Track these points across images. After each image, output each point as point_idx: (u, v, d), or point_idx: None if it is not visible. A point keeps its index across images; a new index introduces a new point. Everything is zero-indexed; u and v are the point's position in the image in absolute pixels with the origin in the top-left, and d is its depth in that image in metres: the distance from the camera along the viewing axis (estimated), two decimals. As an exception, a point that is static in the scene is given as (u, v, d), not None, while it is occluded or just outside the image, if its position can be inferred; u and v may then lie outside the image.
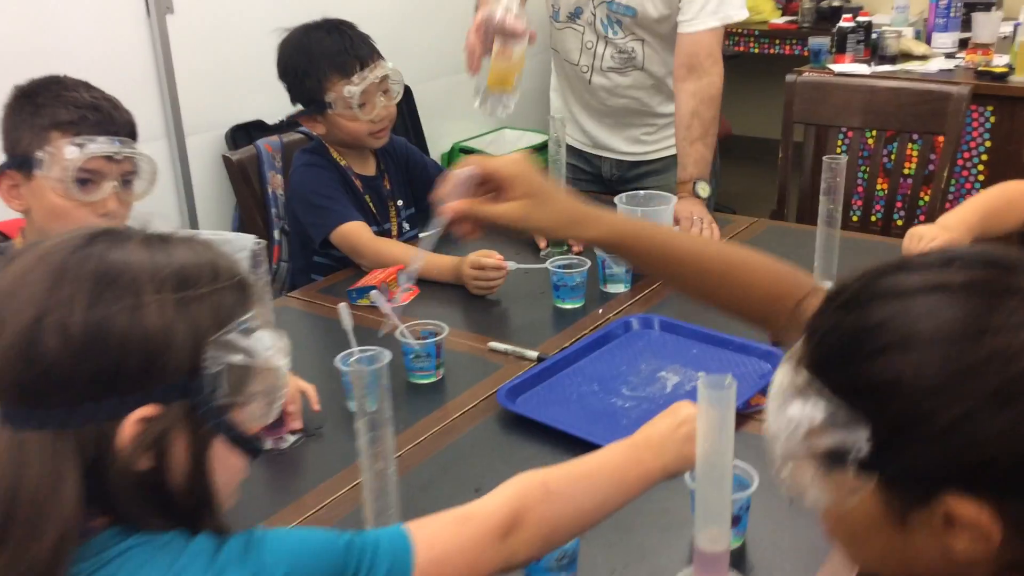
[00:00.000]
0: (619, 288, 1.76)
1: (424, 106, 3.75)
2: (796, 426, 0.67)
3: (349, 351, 1.37)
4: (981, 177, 3.28)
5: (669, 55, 2.15)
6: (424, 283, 1.75)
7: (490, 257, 1.71)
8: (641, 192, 1.87)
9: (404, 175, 2.08)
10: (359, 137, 1.92)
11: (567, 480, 0.91)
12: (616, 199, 1.83)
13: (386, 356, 1.29)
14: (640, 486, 0.96)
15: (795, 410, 0.67)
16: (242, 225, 2.12)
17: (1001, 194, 1.61)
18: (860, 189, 3.47)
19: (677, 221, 1.96)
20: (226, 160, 2.06)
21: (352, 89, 1.84)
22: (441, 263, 1.76)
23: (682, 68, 2.09)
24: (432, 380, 1.45)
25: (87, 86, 1.38)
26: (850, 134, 3.02)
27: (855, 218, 3.46)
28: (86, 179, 1.34)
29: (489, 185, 0.97)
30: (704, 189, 2.04)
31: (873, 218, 3.34)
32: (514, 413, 1.33)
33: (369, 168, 2.02)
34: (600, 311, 1.67)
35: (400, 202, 2.05)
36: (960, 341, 0.61)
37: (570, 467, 0.93)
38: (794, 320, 0.95)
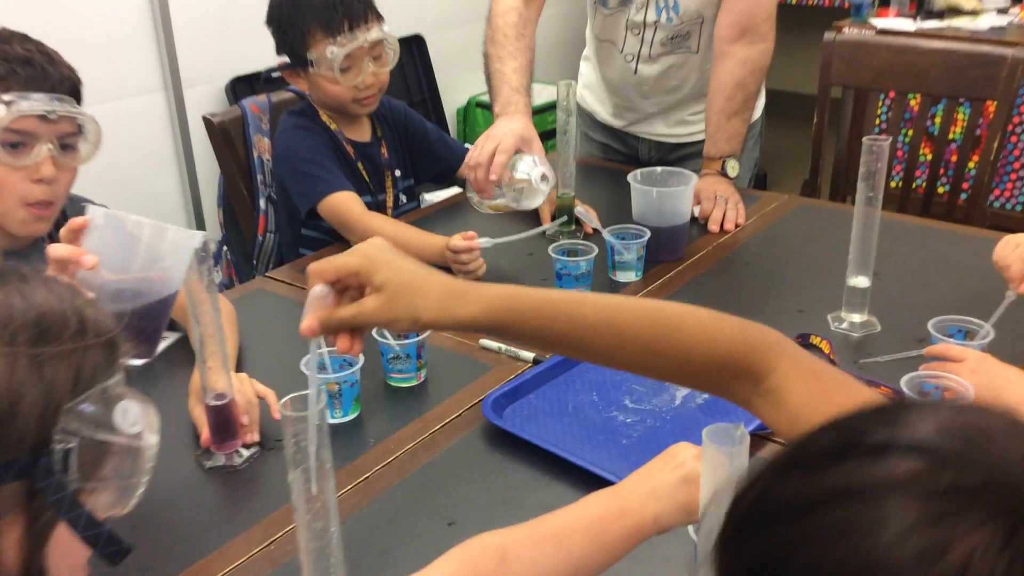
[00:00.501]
0: (629, 277, 1.59)
1: (439, 57, 3.55)
2: None
3: (319, 351, 1.22)
4: (1034, 143, 3.05)
5: None
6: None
7: (465, 238, 1.55)
8: (658, 169, 1.69)
9: (403, 143, 1.91)
10: (342, 102, 1.75)
11: (529, 544, 0.76)
12: (630, 176, 1.65)
13: (357, 360, 1.15)
14: (625, 544, 0.81)
15: None
16: (226, 194, 1.97)
17: None
18: (900, 153, 3.25)
19: (698, 200, 1.78)
20: (207, 123, 1.90)
21: (336, 51, 1.67)
22: (426, 244, 1.60)
23: (733, 28, 1.80)
24: (413, 384, 1.29)
25: (23, 38, 1.22)
26: (892, 95, 2.80)
27: (895, 184, 3.25)
28: (16, 142, 1.19)
29: (345, 285, 0.82)
30: (734, 168, 1.85)
31: (914, 185, 3.13)
32: (501, 429, 1.18)
33: (364, 134, 1.84)
34: (607, 303, 1.51)
35: (398, 172, 1.88)
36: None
37: (535, 527, 0.78)
38: (765, 400, 0.79)
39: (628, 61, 1.95)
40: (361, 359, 1.21)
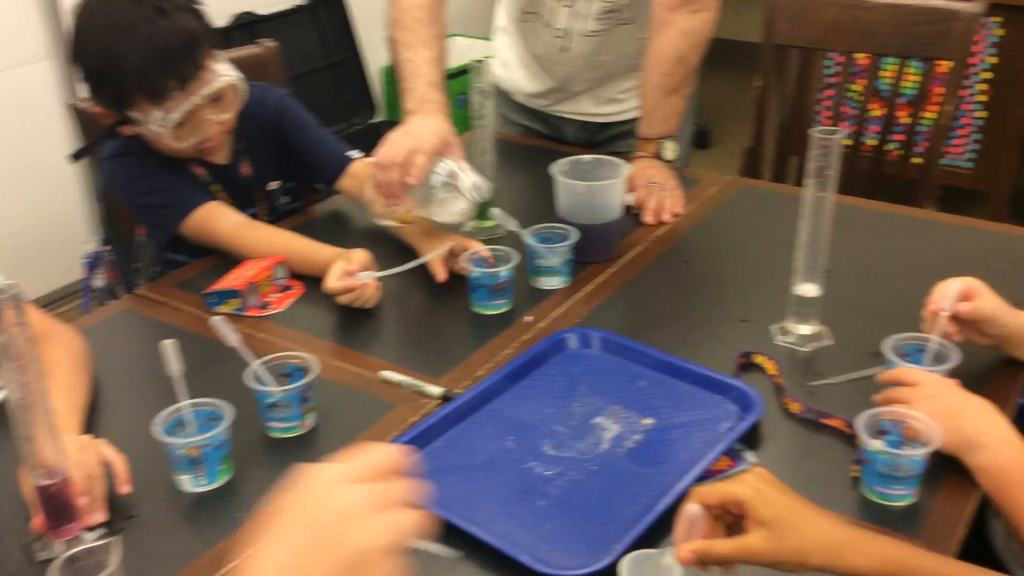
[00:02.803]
0: (555, 283, 1.41)
1: (361, 10, 3.30)
2: None
3: (176, 406, 1.03)
4: (983, 98, 2.92)
5: None
6: (311, 279, 1.40)
7: (344, 272, 1.31)
8: (585, 157, 1.50)
9: (277, 146, 1.60)
10: (182, 155, 1.47)
11: None
12: (554, 168, 1.46)
13: (225, 414, 0.96)
14: None
15: None
16: (105, 187, 1.73)
17: None
18: (848, 110, 3.10)
19: (632, 188, 1.60)
20: (75, 111, 1.66)
21: (165, 115, 1.37)
22: (320, 255, 1.39)
23: None
24: (298, 433, 1.11)
25: None
26: (840, 59, 2.63)
27: (845, 141, 3.10)
28: None
29: (720, 510, 0.83)
30: (671, 150, 1.66)
31: (872, 142, 2.98)
32: (398, 492, 1.00)
33: (219, 155, 1.53)
34: (531, 318, 1.33)
35: (272, 185, 1.62)
36: None
37: None
38: None
39: (557, 37, 1.74)
40: (229, 413, 1.02)
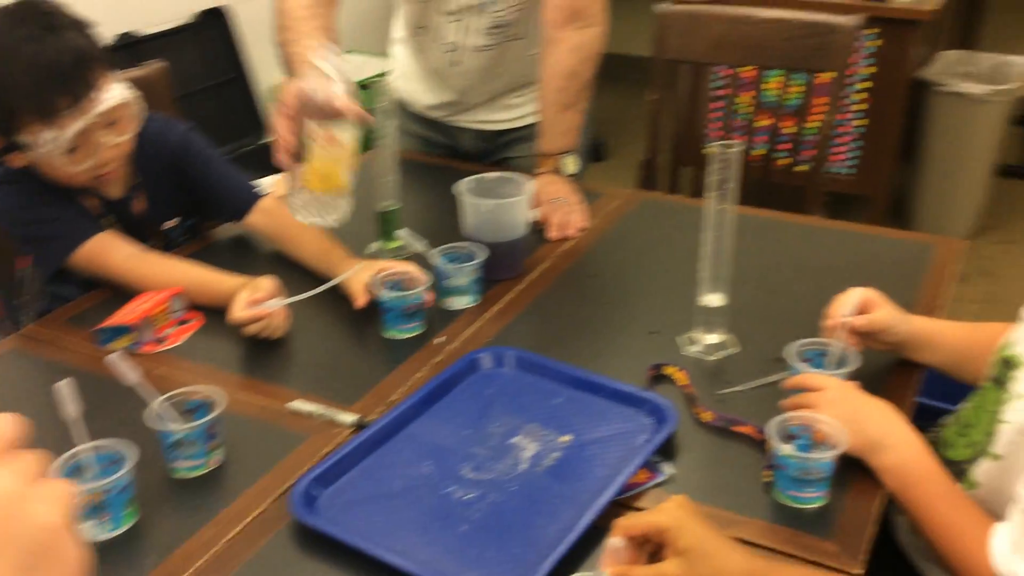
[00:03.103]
0: (464, 303, 1.40)
1: (248, 31, 3.23)
2: None
3: (74, 451, 0.97)
4: (862, 107, 3.04)
5: None
6: (211, 311, 1.35)
7: (250, 302, 1.26)
8: (489, 175, 1.50)
9: (178, 183, 1.54)
10: (76, 183, 1.40)
11: None
12: (459, 187, 1.46)
13: (127, 456, 0.92)
14: None
15: None
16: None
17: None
18: (737, 122, 3.20)
19: (536, 204, 1.60)
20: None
21: (56, 135, 1.30)
22: (222, 285, 1.34)
23: (562, 11, 1.62)
24: (204, 472, 1.07)
25: None
26: (727, 72, 2.71)
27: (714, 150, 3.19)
28: None
29: (645, 541, 0.87)
30: (571, 165, 1.68)
31: (762, 151, 3.08)
32: (315, 529, 0.97)
33: (114, 188, 1.47)
34: (442, 339, 1.32)
35: (170, 223, 1.56)
36: None
37: None
38: None
39: (448, 52, 1.74)
40: (132, 454, 0.98)
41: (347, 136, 1.27)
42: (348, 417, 1.14)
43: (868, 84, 3.01)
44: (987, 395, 1.11)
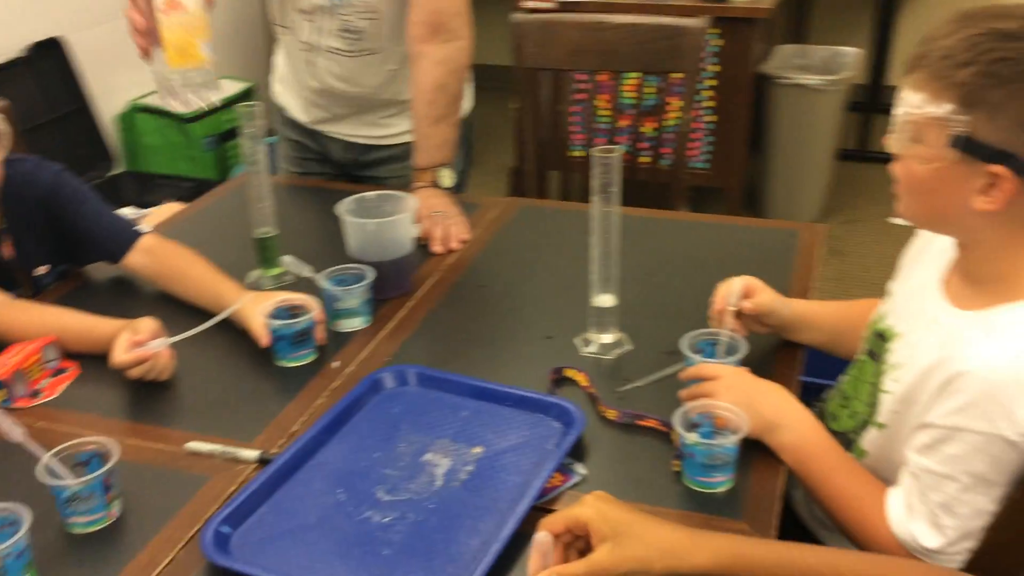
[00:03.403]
0: (356, 324, 1.38)
1: (87, 60, 3.09)
2: None
3: None
4: (711, 104, 3.17)
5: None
6: (89, 357, 1.28)
7: (131, 344, 1.21)
8: (370, 194, 1.49)
9: (49, 227, 1.44)
10: None
11: None
12: (339, 208, 1.44)
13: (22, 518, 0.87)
14: None
15: None
16: None
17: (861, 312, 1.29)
18: (597, 125, 3.28)
19: (417, 219, 1.60)
20: None
21: None
22: (100, 330, 1.27)
23: (423, 26, 1.64)
24: (103, 525, 1.01)
25: None
26: (581, 77, 2.77)
27: (580, 153, 3.28)
28: None
29: (569, 537, 0.87)
30: (447, 178, 1.68)
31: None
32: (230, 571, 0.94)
33: None
34: (336, 364, 1.30)
35: (41, 269, 1.47)
36: None
37: None
38: None
39: (303, 51, 1.76)
40: (26, 515, 0.92)
41: (190, 2, 1.30)
42: (250, 453, 1.11)
43: (714, 82, 3.15)
44: (864, 368, 1.17)
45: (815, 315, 1.30)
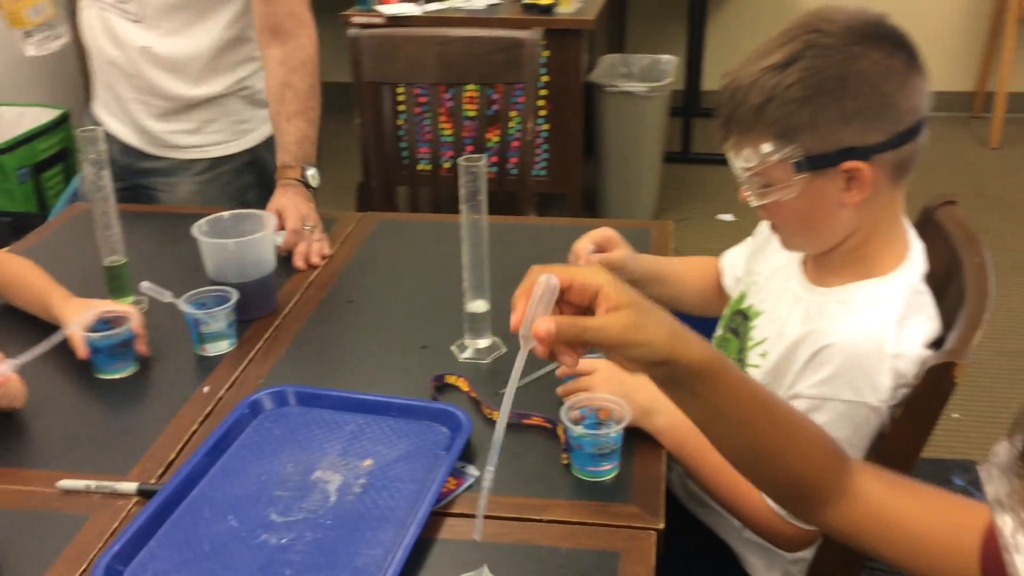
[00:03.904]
0: (223, 348, 1.34)
1: None
2: None
3: None
4: (544, 112, 3.27)
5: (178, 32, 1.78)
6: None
7: None
8: (225, 214, 1.45)
9: None
10: None
11: None
12: (195, 229, 1.40)
13: None
14: None
15: None
16: None
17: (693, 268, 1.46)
18: (430, 136, 3.30)
19: (282, 221, 1.58)
20: None
21: None
22: None
23: (264, 33, 1.76)
24: (-20, 579, 0.95)
25: None
26: (417, 91, 2.79)
27: (427, 167, 3.31)
28: None
29: (569, 299, 0.75)
30: (315, 179, 1.72)
31: (447, 165, 3.19)
32: (127, 607, 0.90)
33: None
34: (207, 388, 1.26)
35: None
36: None
37: None
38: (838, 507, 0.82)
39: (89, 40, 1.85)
40: None
41: None
42: (129, 486, 1.07)
43: (545, 91, 3.24)
44: (728, 345, 1.26)
45: (664, 268, 1.39)
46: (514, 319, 0.74)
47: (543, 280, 0.73)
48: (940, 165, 3.90)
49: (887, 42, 1.01)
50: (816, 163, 1.03)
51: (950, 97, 4.36)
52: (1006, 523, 0.50)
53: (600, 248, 1.31)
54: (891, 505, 0.81)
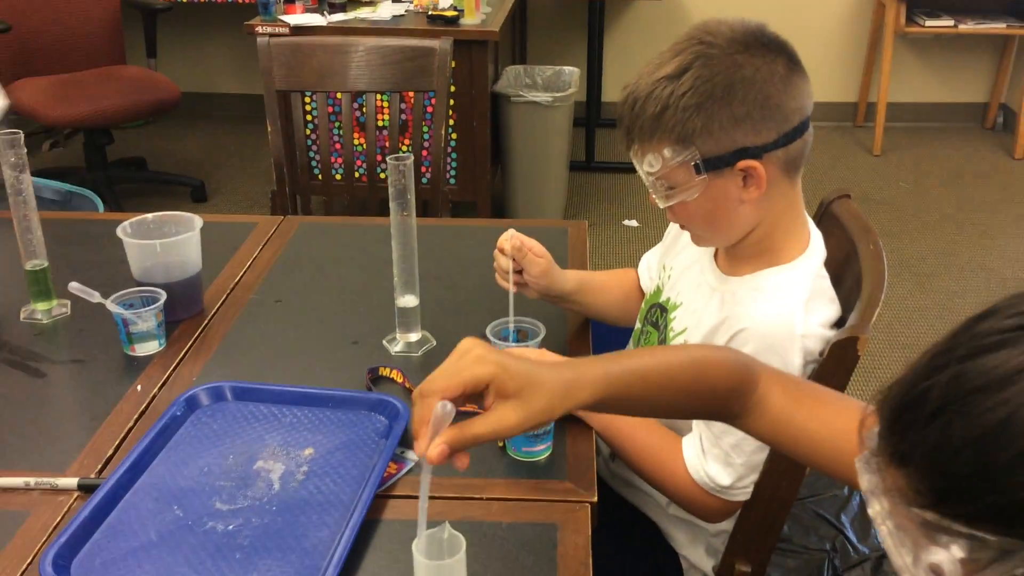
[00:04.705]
0: (152, 348, 1.35)
1: None
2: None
3: None
4: (451, 122, 3.32)
5: None
6: None
7: None
8: (149, 216, 1.46)
9: None
10: None
11: None
12: (120, 231, 1.40)
13: None
14: None
15: (938, 558, 0.53)
16: None
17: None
18: (339, 147, 3.32)
19: None
20: None
21: None
22: None
23: None
24: (-79, 577, 0.94)
25: None
26: (335, 96, 2.81)
27: (340, 176, 3.32)
28: None
29: (465, 400, 0.78)
30: None
31: (357, 174, 3.21)
32: (78, 596, 0.91)
33: None
34: (139, 387, 1.26)
35: None
36: None
37: None
38: (750, 414, 0.90)
39: None
40: None
41: None
42: (69, 481, 1.07)
43: (452, 101, 3.30)
44: (649, 337, 1.33)
45: (585, 282, 1.42)
46: (419, 447, 0.76)
47: (438, 408, 0.75)
48: (828, 171, 4.12)
49: (768, 49, 1.10)
50: (713, 164, 1.11)
51: (835, 108, 4.61)
52: (875, 510, 0.58)
53: (522, 258, 1.32)
54: (791, 415, 0.89)
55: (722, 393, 0.89)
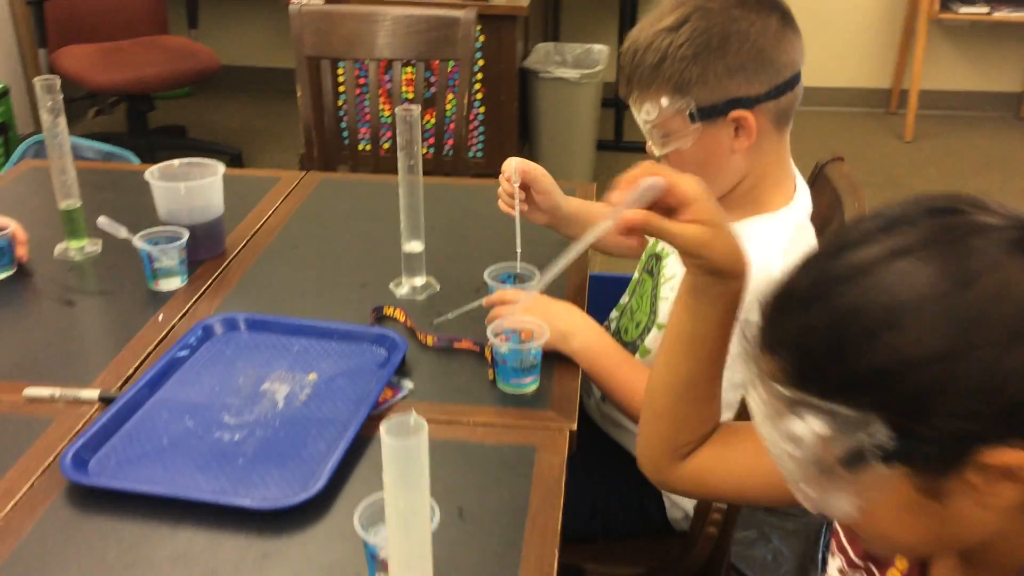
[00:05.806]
0: (174, 284, 1.44)
1: None
2: (801, 446, 0.62)
3: None
4: (480, 96, 3.39)
5: None
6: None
7: None
8: (175, 162, 1.55)
9: None
10: None
11: None
12: (148, 175, 1.49)
13: None
14: None
15: (796, 429, 0.62)
16: None
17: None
18: (368, 117, 3.40)
19: None
20: None
21: None
22: None
23: None
24: (-46, 467, 1.04)
25: None
26: (366, 67, 2.89)
27: (367, 147, 3.40)
28: None
29: (664, 200, 0.84)
30: None
31: (386, 146, 3.30)
32: (92, 487, 1.01)
33: None
34: (160, 317, 1.36)
35: None
36: (948, 297, 0.58)
37: None
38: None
39: None
40: None
41: None
42: (91, 393, 1.16)
43: (480, 75, 3.37)
44: (644, 284, 1.39)
45: (586, 212, 1.50)
46: (613, 196, 0.84)
47: (651, 181, 0.82)
48: (859, 157, 4.13)
49: (762, 5, 1.17)
50: (707, 113, 1.17)
51: (869, 94, 4.61)
52: (752, 397, 0.66)
53: (529, 176, 1.41)
54: (712, 463, 0.95)
55: (702, 430, 0.97)
